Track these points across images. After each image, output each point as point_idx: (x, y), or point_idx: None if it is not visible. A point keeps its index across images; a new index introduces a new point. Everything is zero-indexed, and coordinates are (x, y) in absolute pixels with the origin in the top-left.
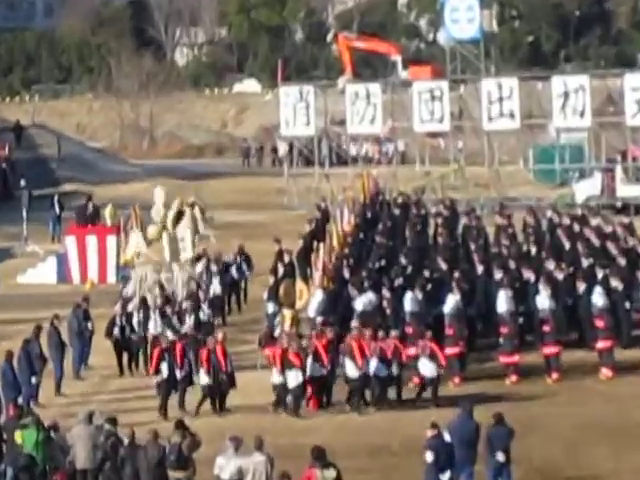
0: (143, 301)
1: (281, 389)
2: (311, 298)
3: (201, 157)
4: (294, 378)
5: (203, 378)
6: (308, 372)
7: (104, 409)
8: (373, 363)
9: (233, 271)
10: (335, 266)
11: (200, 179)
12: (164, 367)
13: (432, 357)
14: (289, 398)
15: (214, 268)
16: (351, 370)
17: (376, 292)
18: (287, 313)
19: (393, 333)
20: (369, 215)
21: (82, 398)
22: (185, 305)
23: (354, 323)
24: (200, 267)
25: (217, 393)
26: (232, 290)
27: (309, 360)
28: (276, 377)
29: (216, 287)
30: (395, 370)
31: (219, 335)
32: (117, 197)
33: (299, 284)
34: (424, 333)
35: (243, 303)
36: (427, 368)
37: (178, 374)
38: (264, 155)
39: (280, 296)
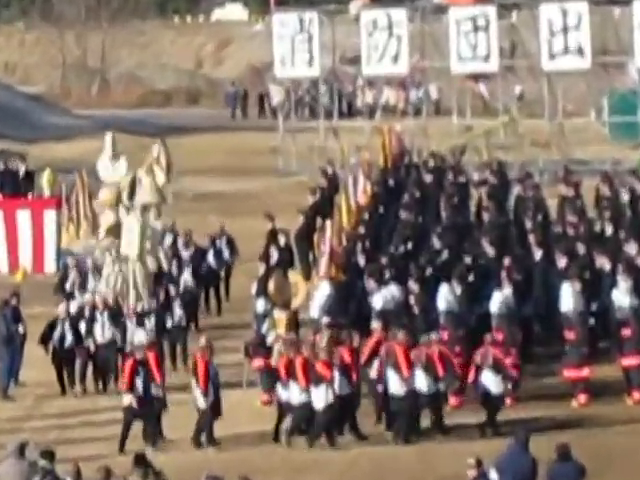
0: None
1: (303, 411)
2: (314, 293)
3: (169, 106)
4: (322, 396)
5: (200, 400)
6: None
7: (40, 439)
8: (419, 376)
9: (210, 258)
10: (346, 250)
11: (168, 135)
12: (139, 384)
13: (497, 369)
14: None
15: (185, 254)
16: (396, 386)
17: (400, 284)
18: (280, 315)
19: (433, 336)
20: (391, 183)
21: (11, 424)
22: (144, 303)
23: (375, 324)
24: (165, 250)
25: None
26: (209, 283)
27: (335, 374)
28: (295, 395)
29: (187, 279)
30: (442, 385)
31: (202, 341)
32: (57, 159)
33: (294, 275)
34: (466, 337)
35: (224, 300)
36: (491, 383)
37: (154, 392)
38: (249, 104)
39: (270, 292)
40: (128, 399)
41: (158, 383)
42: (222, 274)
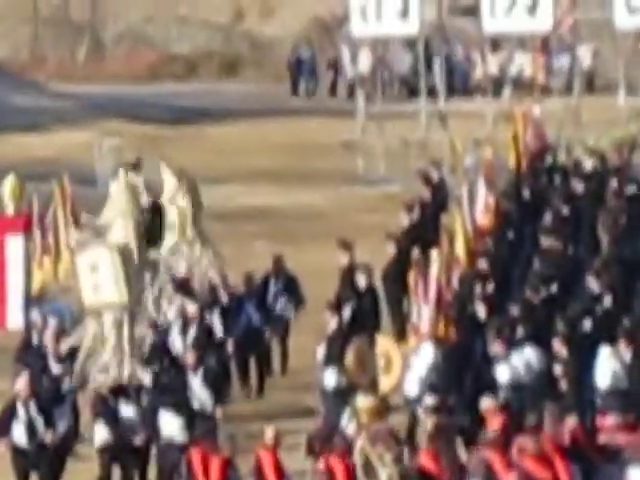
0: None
1: None
2: (412, 359)
3: (193, 79)
4: None
5: None
6: None
7: None
8: None
9: (250, 310)
10: (460, 296)
11: (191, 121)
12: None
13: None
14: None
15: (215, 308)
16: None
17: (540, 347)
18: (364, 401)
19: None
20: (527, 195)
21: None
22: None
23: (488, 404)
24: (175, 308)
25: None
26: (249, 349)
27: None
28: None
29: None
30: None
31: (268, 434)
32: (26, 159)
33: (385, 341)
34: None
35: (278, 371)
36: None
37: None
38: (313, 76)
39: (349, 366)
40: None
41: None
42: (275, 334)
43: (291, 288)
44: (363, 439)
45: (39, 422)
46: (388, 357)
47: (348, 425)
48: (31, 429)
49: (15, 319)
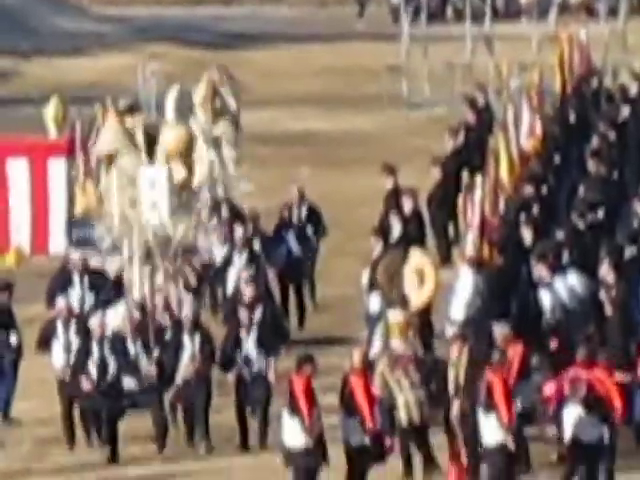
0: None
1: None
2: (456, 282)
3: (239, 3)
4: None
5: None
6: None
7: None
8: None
9: (291, 240)
10: (505, 220)
11: (237, 47)
12: None
13: None
14: None
15: (256, 239)
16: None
17: (586, 273)
18: (396, 317)
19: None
20: (573, 119)
21: None
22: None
23: (501, 331)
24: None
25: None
26: (290, 279)
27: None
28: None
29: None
30: (606, 434)
31: (356, 358)
32: (69, 82)
33: (419, 256)
34: None
35: (309, 304)
36: None
37: None
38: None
39: (380, 281)
40: None
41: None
42: (303, 267)
43: (313, 217)
44: (383, 363)
45: (112, 362)
46: (422, 273)
47: (375, 344)
48: (103, 366)
49: (57, 243)
